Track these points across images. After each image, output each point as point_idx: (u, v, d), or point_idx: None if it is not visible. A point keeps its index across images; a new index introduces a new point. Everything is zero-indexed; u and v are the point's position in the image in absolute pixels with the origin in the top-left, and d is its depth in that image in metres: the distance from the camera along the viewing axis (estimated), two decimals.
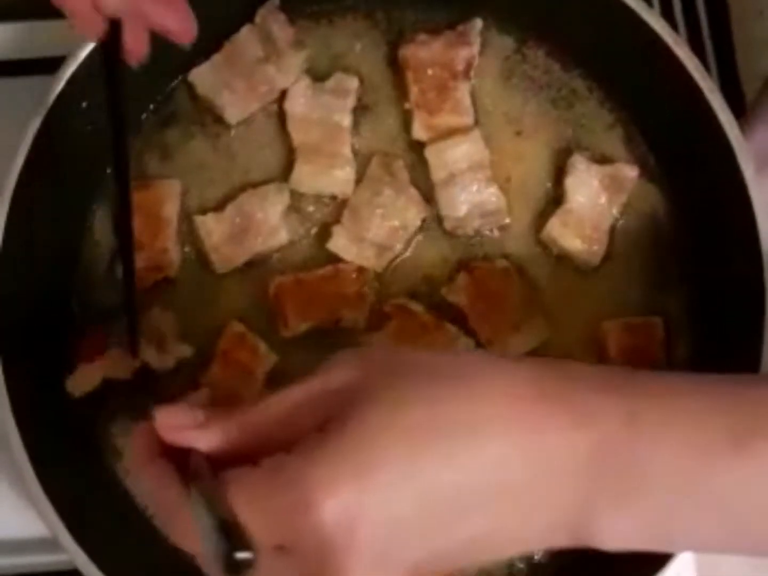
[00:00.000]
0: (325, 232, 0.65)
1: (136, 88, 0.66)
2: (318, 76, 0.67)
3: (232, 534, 0.37)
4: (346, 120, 0.66)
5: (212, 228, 0.65)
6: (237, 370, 0.64)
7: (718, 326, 0.64)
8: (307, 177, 0.65)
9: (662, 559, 0.57)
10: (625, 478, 0.42)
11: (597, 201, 0.65)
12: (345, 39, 0.68)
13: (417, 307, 0.64)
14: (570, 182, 0.65)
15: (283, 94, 0.66)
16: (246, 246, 0.65)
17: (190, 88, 0.67)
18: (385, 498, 0.40)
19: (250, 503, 0.40)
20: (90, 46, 0.60)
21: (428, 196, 0.65)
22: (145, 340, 0.63)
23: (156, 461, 0.44)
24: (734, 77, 0.75)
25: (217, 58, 0.66)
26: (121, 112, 0.53)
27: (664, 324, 0.65)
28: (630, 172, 0.65)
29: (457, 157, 0.65)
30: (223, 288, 0.65)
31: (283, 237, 0.65)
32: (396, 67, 0.67)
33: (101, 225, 0.67)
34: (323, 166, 0.65)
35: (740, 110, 0.68)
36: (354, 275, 0.64)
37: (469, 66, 0.65)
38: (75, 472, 0.63)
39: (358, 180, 0.66)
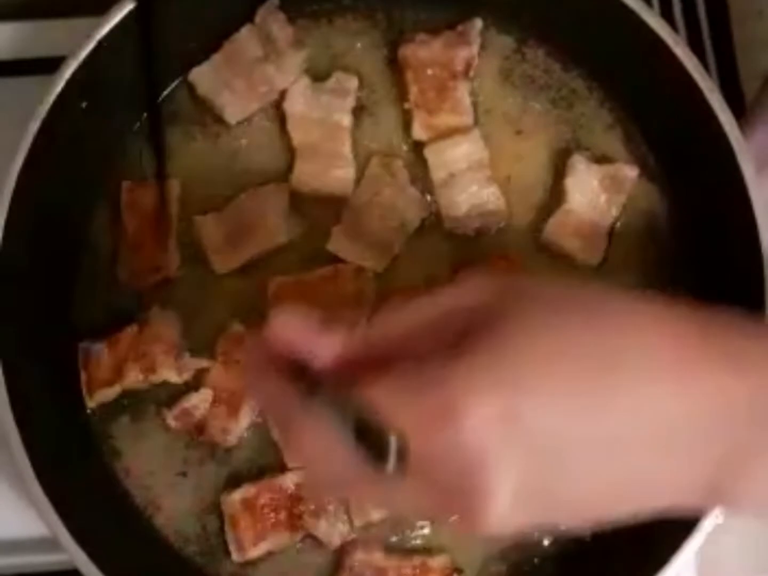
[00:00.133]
0: (325, 232, 0.65)
1: (136, 89, 0.66)
2: (318, 75, 0.67)
3: (375, 429, 0.35)
4: (346, 120, 0.66)
5: (212, 228, 0.65)
6: (237, 370, 0.64)
7: None
8: (307, 177, 0.65)
9: (662, 558, 0.57)
10: None
11: (597, 201, 0.65)
12: (345, 39, 0.68)
13: None
14: (570, 182, 0.65)
15: (282, 94, 0.66)
16: (246, 246, 0.65)
17: (190, 88, 0.67)
18: (549, 411, 0.37)
19: (389, 406, 0.37)
20: (90, 47, 0.61)
21: (428, 196, 0.65)
22: (161, 355, 0.63)
23: (272, 373, 0.41)
24: (734, 77, 0.75)
25: (217, 58, 0.66)
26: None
27: None
28: (630, 172, 0.65)
29: (456, 156, 0.65)
30: (223, 288, 0.65)
31: (283, 237, 0.65)
32: (396, 66, 0.67)
33: (101, 224, 0.67)
34: (323, 166, 0.65)
35: (740, 110, 0.68)
36: (354, 275, 0.64)
37: (468, 66, 0.66)
38: (75, 472, 0.63)
39: (358, 180, 0.66)
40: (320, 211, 0.66)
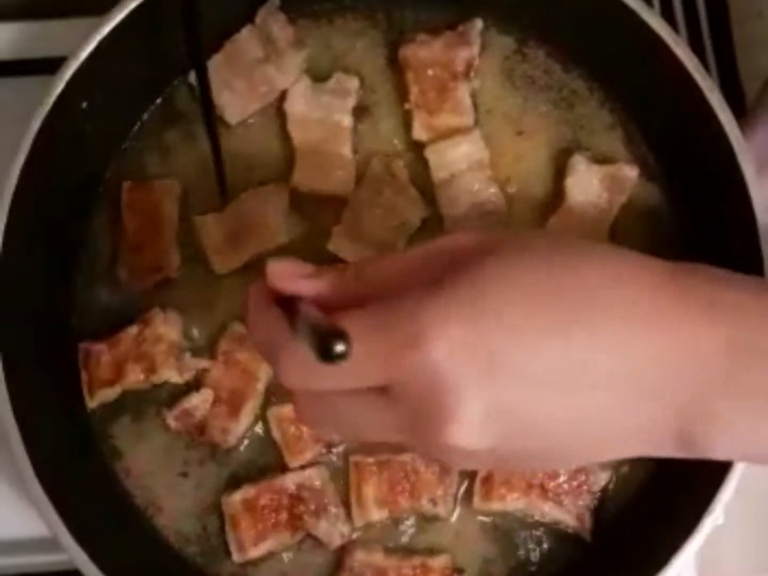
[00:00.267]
0: (325, 232, 0.65)
1: (137, 89, 0.66)
2: (318, 76, 0.67)
3: (327, 329, 0.38)
4: (346, 120, 0.66)
5: (212, 228, 0.65)
6: (238, 370, 0.64)
7: None
8: (307, 177, 0.65)
9: (662, 559, 0.57)
10: (756, 372, 0.41)
11: (597, 201, 0.65)
12: (345, 39, 0.68)
13: None
14: (570, 182, 0.65)
15: (283, 95, 0.66)
16: (246, 246, 0.65)
17: (190, 88, 0.67)
18: (513, 343, 0.39)
19: (360, 335, 0.39)
20: (90, 47, 0.61)
21: (428, 196, 0.65)
22: (161, 355, 0.63)
23: (268, 309, 0.45)
24: (734, 77, 0.75)
25: (217, 58, 0.66)
26: None
27: None
28: (630, 172, 0.65)
29: (457, 157, 0.65)
30: (223, 288, 0.65)
31: (283, 237, 0.65)
32: (396, 67, 0.67)
33: (101, 224, 0.67)
34: (323, 166, 0.65)
35: (740, 110, 0.68)
36: None
37: (469, 66, 0.66)
38: (75, 472, 0.63)
39: (358, 180, 0.66)
40: (320, 211, 0.66)
